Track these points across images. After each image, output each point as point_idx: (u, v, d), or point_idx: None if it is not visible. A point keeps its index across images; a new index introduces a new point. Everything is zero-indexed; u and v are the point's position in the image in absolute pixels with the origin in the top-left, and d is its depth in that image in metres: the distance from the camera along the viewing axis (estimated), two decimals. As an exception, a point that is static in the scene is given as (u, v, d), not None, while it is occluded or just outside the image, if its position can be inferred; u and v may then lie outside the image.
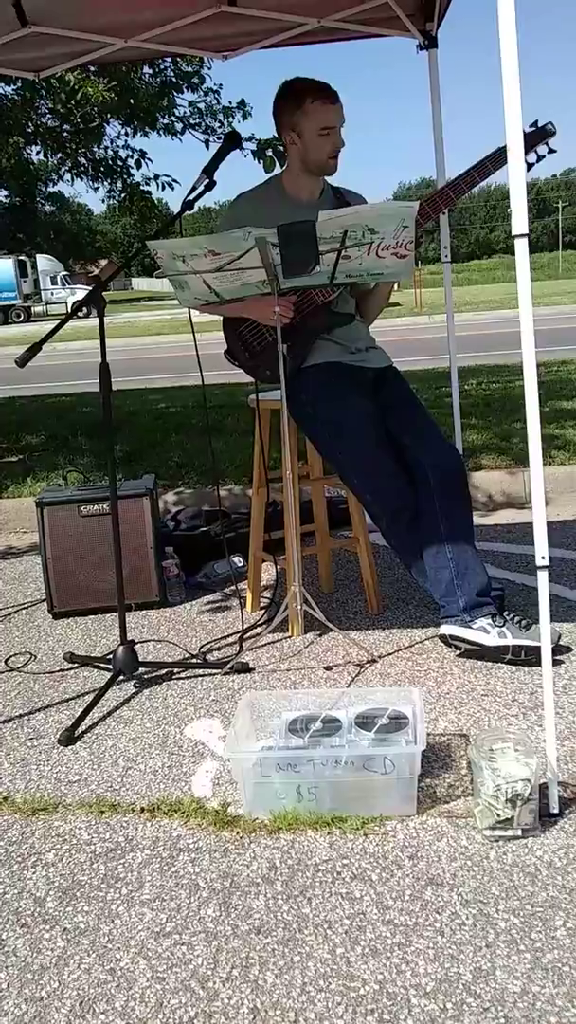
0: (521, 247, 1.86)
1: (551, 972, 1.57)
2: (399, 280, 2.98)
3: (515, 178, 1.85)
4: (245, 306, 2.93)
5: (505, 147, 1.90)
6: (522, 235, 1.85)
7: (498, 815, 1.93)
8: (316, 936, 1.71)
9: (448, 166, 3.49)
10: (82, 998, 1.61)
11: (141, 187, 7.81)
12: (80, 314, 3.23)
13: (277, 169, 5.39)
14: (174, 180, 7.44)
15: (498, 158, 2.80)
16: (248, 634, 3.19)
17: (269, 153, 5.75)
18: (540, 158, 2.88)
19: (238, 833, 2.05)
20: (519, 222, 1.85)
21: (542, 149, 2.87)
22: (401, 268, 2.69)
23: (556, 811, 1.99)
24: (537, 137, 2.85)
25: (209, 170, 2.80)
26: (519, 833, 1.94)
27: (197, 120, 7.39)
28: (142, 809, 2.17)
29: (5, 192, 11.90)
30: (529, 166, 2.86)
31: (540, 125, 2.86)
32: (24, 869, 1.98)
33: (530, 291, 1.85)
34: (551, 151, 2.87)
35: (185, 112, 7.38)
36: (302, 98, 2.90)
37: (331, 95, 2.89)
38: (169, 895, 1.86)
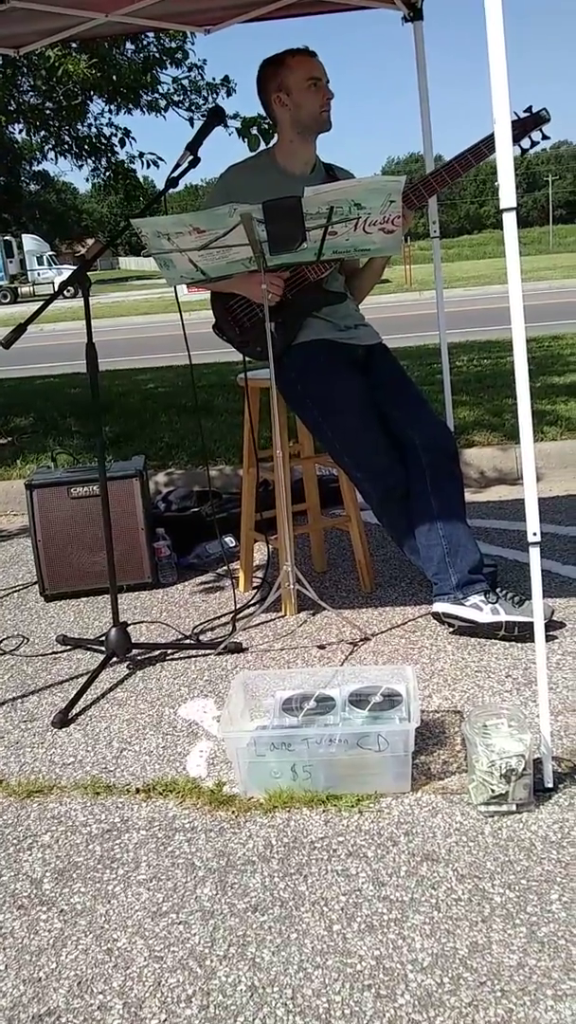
0: (509, 221, 1.84)
1: (547, 945, 1.58)
2: (388, 256, 2.96)
3: (503, 152, 1.83)
4: (234, 283, 2.91)
5: None
6: (510, 209, 1.83)
7: (492, 790, 1.94)
8: (312, 913, 1.71)
9: (437, 141, 3.46)
10: (80, 978, 1.61)
11: (126, 165, 7.73)
12: (66, 294, 3.21)
13: (262, 147, 5.34)
14: (159, 158, 7.35)
15: (492, 142, 2.77)
16: (241, 614, 3.19)
17: (254, 131, 5.68)
18: (534, 144, 2.87)
19: (233, 812, 2.05)
20: (507, 195, 1.83)
21: (536, 135, 2.86)
22: (389, 244, 2.67)
23: (550, 786, 2.00)
24: (531, 123, 2.84)
25: (193, 146, 2.77)
26: (514, 808, 1.94)
27: (181, 97, 7.30)
28: (137, 790, 2.18)
29: (-11, 171, 11.78)
30: (523, 151, 2.85)
31: (535, 111, 2.85)
32: (20, 851, 1.98)
33: (519, 265, 1.83)
34: (545, 137, 2.87)
35: (169, 89, 7.30)
36: (282, 57, 2.91)
37: (309, 51, 2.92)
38: (165, 875, 1.86)
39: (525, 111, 2.84)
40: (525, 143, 2.84)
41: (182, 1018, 1.50)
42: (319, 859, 1.86)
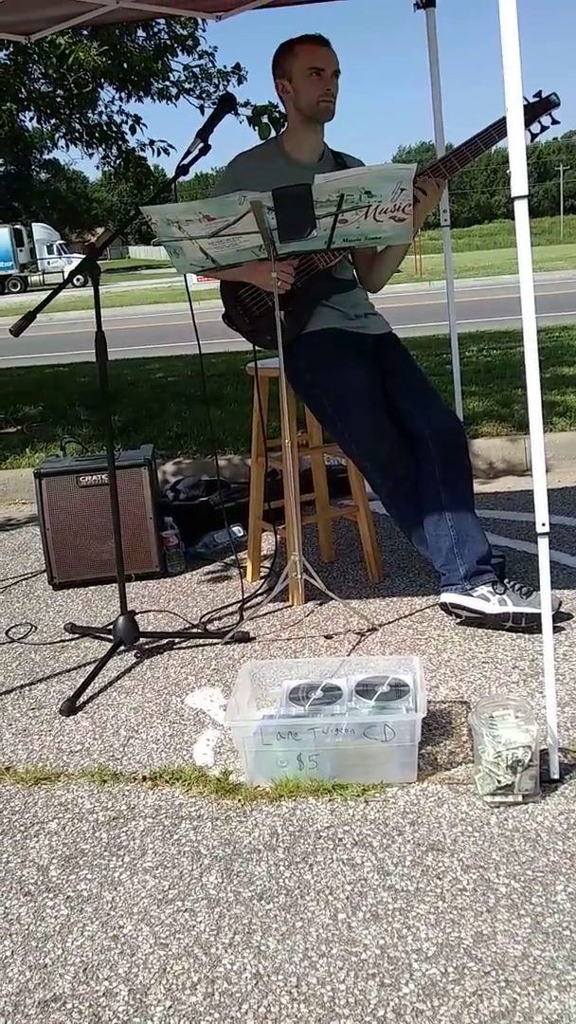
0: (521, 209, 1.82)
1: (551, 936, 1.58)
2: (399, 244, 2.94)
3: (515, 139, 1.82)
4: (244, 271, 2.90)
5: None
6: (522, 196, 1.81)
7: (499, 781, 1.94)
8: (318, 902, 1.72)
9: (449, 130, 3.44)
10: (85, 965, 1.62)
11: (136, 153, 7.71)
12: (76, 282, 3.20)
13: (272, 136, 5.31)
14: (170, 145, 7.34)
15: (502, 127, 2.77)
16: (248, 603, 3.19)
17: (264, 119, 5.66)
18: (544, 128, 2.87)
19: (239, 801, 2.06)
20: (519, 183, 1.81)
21: (546, 120, 2.86)
22: (400, 232, 2.65)
23: (557, 777, 2.00)
24: (541, 108, 2.84)
25: (204, 134, 2.76)
26: (519, 799, 1.94)
27: (192, 84, 7.27)
28: (144, 778, 2.18)
29: (0, 160, 11.78)
30: (533, 136, 2.84)
31: (544, 96, 2.84)
32: (27, 838, 1.99)
33: (530, 254, 1.82)
34: (555, 122, 2.87)
35: (180, 76, 7.27)
36: (291, 44, 2.89)
37: (319, 40, 2.88)
38: (171, 862, 1.87)
39: (535, 96, 2.84)
40: (535, 128, 2.85)
41: (187, 1005, 1.51)
42: (325, 848, 1.87)
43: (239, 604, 3.19)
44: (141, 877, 1.83)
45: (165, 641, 2.95)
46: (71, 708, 2.54)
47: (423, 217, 2.91)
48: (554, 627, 2.36)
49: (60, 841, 1.97)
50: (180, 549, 3.62)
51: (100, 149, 7.94)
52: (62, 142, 8.17)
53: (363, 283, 3.15)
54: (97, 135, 7.82)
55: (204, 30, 7.01)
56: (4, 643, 3.08)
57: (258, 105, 5.70)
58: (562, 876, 1.73)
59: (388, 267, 3.09)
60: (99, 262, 2.70)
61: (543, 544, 1.91)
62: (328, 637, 2.88)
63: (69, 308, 20.81)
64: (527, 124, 2.79)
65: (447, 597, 2.84)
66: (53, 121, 7.83)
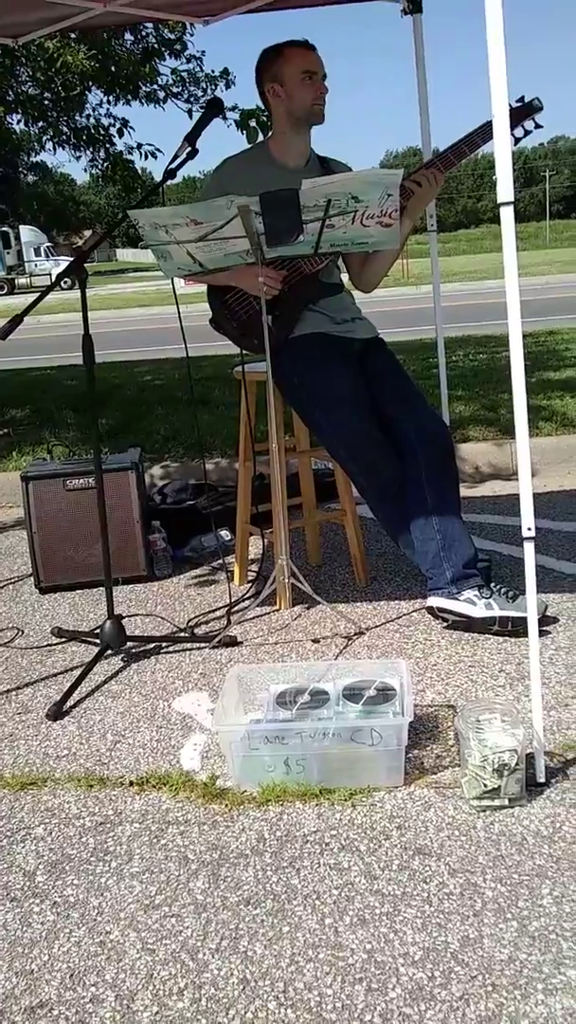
0: (507, 215, 1.83)
1: (538, 940, 1.59)
2: (386, 248, 2.94)
3: (500, 145, 1.83)
4: (231, 275, 2.90)
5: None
6: (507, 203, 1.82)
7: (485, 785, 1.94)
8: (305, 907, 1.72)
9: (435, 135, 3.45)
10: (72, 971, 1.61)
11: (124, 156, 7.70)
12: (63, 285, 3.21)
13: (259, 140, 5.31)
14: (157, 149, 7.32)
15: (487, 131, 2.80)
16: (236, 607, 3.19)
17: (252, 123, 5.66)
18: (527, 133, 2.90)
19: (227, 805, 2.05)
20: (504, 190, 1.82)
21: (529, 124, 2.89)
22: (386, 237, 2.66)
23: (543, 780, 2.01)
24: (524, 112, 2.86)
25: (191, 138, 2.76)
26: (506, 803, 1.95)
27: (179, 88, 7.27)
28: (131, 783, 2.18)
29: (-13, 162, 11.77)
30: (516, 140, 2.86)
31: (527, 100, 2.87)
32: (13, 843, 1.99)
33: (516, 260, 1.83)
34: (538, 126, 2.90)
35: (167, 80, 7.26)
36: (280, 48, 2.90)
37: (307, 44, 2.91)
38: (158, 868, 1.87)
39: (517, 101, 2.86)
40: (518, 132, 2.87)
41: (174, 1011, 1.51)
42: (312, 853, 1.87)
43: (226, 608, 3.18)
44: (128, 882, 1.83)
45: (152, 645, 2.95)
46: (58, 712, 2.53)
47: (417, 212, 2.92)
48: (540, 631, 2.37)
49: (47, 846, 1.97)
50: (167, 553, 3.62)
51: (88, 152, 7.94)
52: (50, 145, 8.17)
53: (356, 283, 3.15)
54: (85, 138, 7.82)
55: (192, 34, 7.00)
56: (-10, 647, 3.07)
57: (246, 109, 5.69)
58: (548, 880, 1.73)
59: (381, 267, 3.09)
60: (86, 265, 2.69)
61: (529, 548, 1.92)
62: (315, 641, 2.88)
63: (57, 311, 20.77)
64: (510, 129, 2.82)
65: (433, 601, 2.85)
66: (41, 124, 7.82)
